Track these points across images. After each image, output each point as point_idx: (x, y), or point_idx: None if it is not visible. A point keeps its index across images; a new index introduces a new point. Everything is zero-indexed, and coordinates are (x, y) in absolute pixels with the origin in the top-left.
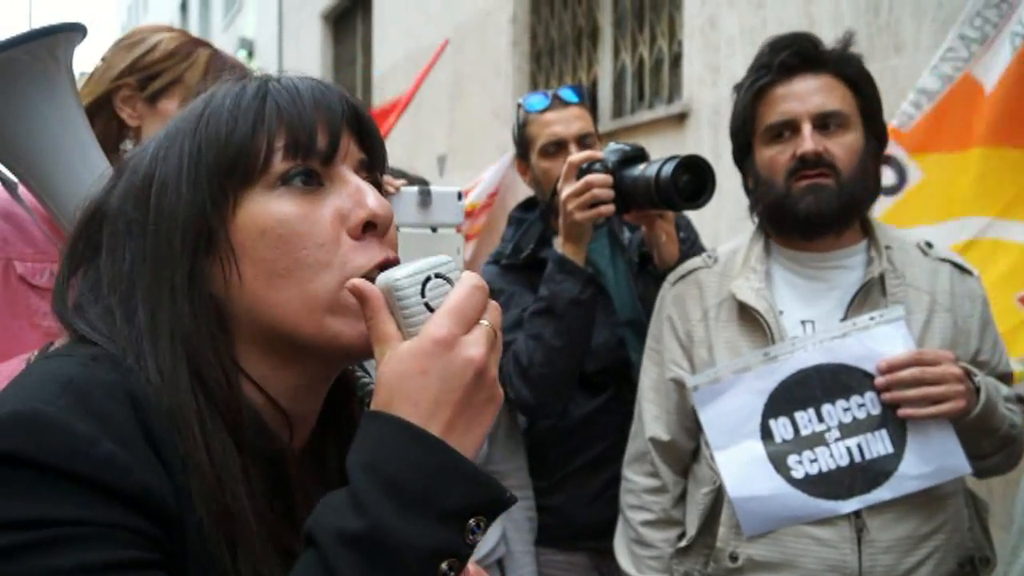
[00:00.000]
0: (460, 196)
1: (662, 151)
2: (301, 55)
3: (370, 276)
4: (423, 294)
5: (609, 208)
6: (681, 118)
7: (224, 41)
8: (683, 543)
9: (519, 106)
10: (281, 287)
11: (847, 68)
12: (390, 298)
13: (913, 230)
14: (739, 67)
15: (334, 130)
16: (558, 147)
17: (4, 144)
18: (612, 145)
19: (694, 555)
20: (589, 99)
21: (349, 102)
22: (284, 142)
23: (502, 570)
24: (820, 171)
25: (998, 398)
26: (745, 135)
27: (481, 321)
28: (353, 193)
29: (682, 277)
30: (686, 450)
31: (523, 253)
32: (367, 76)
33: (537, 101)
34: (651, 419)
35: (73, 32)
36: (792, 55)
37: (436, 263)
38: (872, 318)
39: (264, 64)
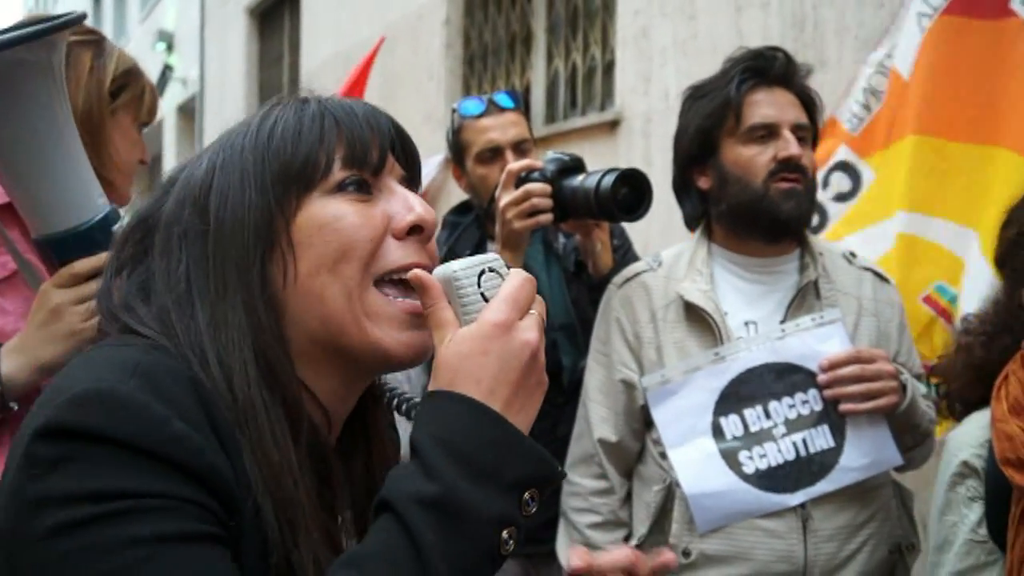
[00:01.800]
0: None
1: (594, 157)
2: (225, 51)
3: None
4: (479, 284)
5: (547, 217)
6: (613, 125)
7: (141, 33)
8: (634, 542)
9: (454, 111)
10: (330, 283)
11: (807, 94)
12: (448, 288)
13: (866, 230)
14: (670, 77)
15: (383, 146)
16: (494, 153)
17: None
18: (550, 154)
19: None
20: (523, 104)
21: (395, 124)
22: (342, 154)
23: None
24: (796, 175)
25: (919, 395)
26: (713, 134)
27: (531, 310)
28: (402, 200)
29: (628, 280)
30: (632, 451)
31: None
32: (294, 74)
33: (472, 106)
34: (599, 421)
35: (72, 24)
36: (781, 66)
37: (488, 259)
38: (813, 319)
39: (184, 60)
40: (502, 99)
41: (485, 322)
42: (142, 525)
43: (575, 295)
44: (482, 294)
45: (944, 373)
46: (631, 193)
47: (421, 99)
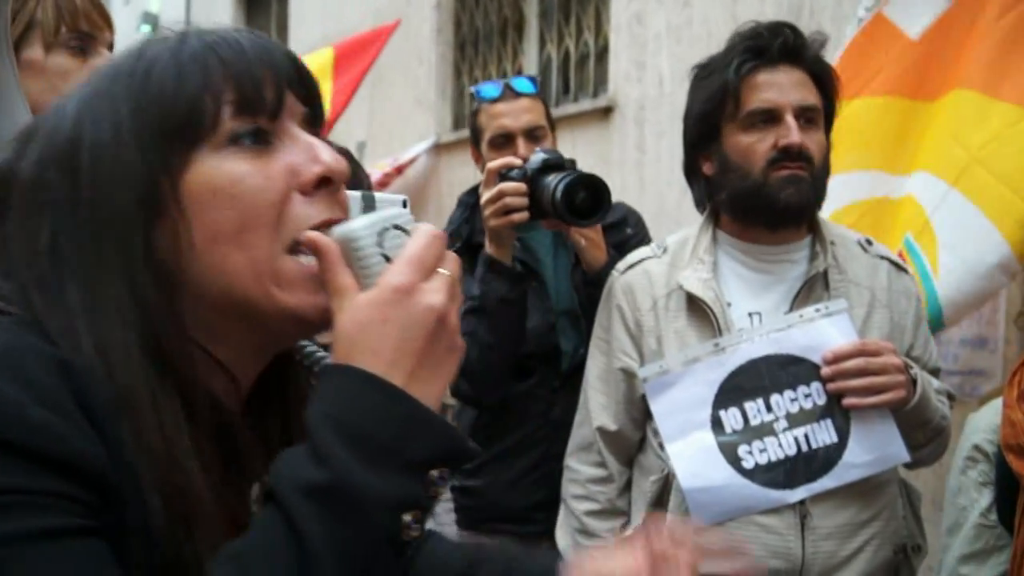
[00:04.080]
0: (406, 204)
1: (587, 145)
2: None
3: (324, 230)
4: (380, 245)
5: (521, 216)
6: (606, 112)
7: (125, 15)
8: (629, 532)
9: (472, 93)
10: (230, 253)
11: (820, 69)
12: (346, 249)
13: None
14: (664, 63)
15: (279, 84)
16: (506, 139)
17: None
18: (539, 152)
19: None
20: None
21: (289, 55)
22: (232, 98)
23: None
24: (799, 164)
25: (931, 390)
26: (714, 118)
27: (440, 270)
28: (306, 148)
29: (631, 266)
30: (632, 440)
31: (457, 243)
32: None
33: (488, 90)
34: (598, 408)
35: None
36: (783, 44)
37: (393, 214)
38: (817, 310)
39: None
40: (519, 84)
41: (384, 286)
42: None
43: (578, 281)
44: (384, 255)
45: None
46: (590, 197)
47: (411, 84)
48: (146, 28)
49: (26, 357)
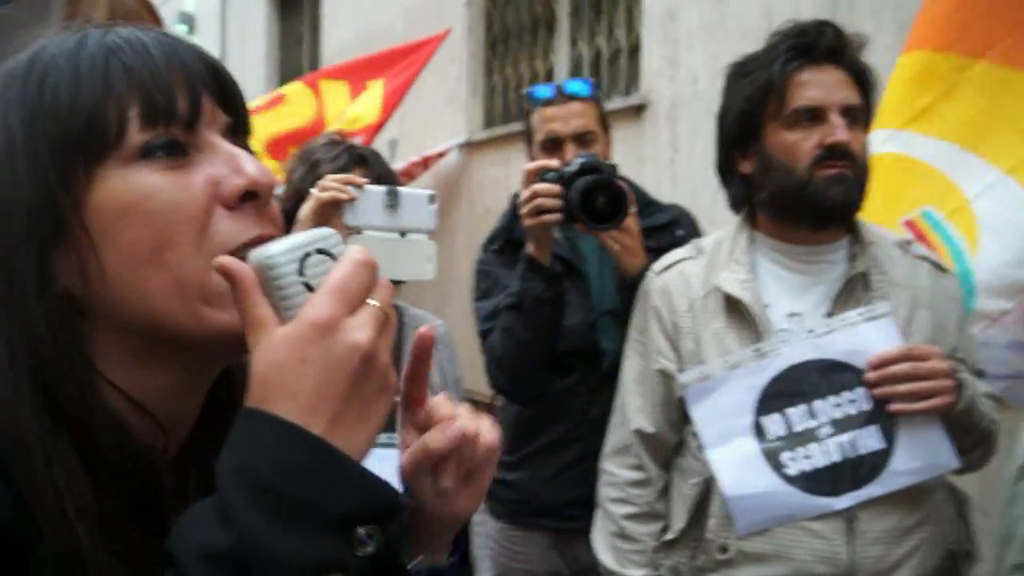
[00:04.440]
0: (433, 199)
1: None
2: (245, 33)
3: (241, 253)
4: (302, 272)
5: (554, 217)
6: (638, 110)
7: (163, 16)
8: (669, 536)
9: (524, 94)
10: (150, 274)
11: (860, 70)
12: (263, 277)
13: None
14: (698, 61)
15: (194, 91)
16: (554, 144)
17: None
18: (581, 155)
19: (681, 548)
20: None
21: (205, 58)
22: (138, 109)
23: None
24: (844, 162)
25: (978, 394)
26: (756, 116)
27: (368, 301)
28: (228, 159)
29: (667, 268)
30: (670, 443)
31: (499, 241)
32: (314, 56)
33: (541, 92)
34: (635, 411)
35: None
36: (828, 43)
37: (317, 236)
38: (860, 314)
39: (206, 41)
40: (572, 86)
41: (303, 321)
42: None
43: (620, 280)
44: (306, 283)
45: None
46: (608, 201)
47: (442, 83)
48: (183, 28)
49: None
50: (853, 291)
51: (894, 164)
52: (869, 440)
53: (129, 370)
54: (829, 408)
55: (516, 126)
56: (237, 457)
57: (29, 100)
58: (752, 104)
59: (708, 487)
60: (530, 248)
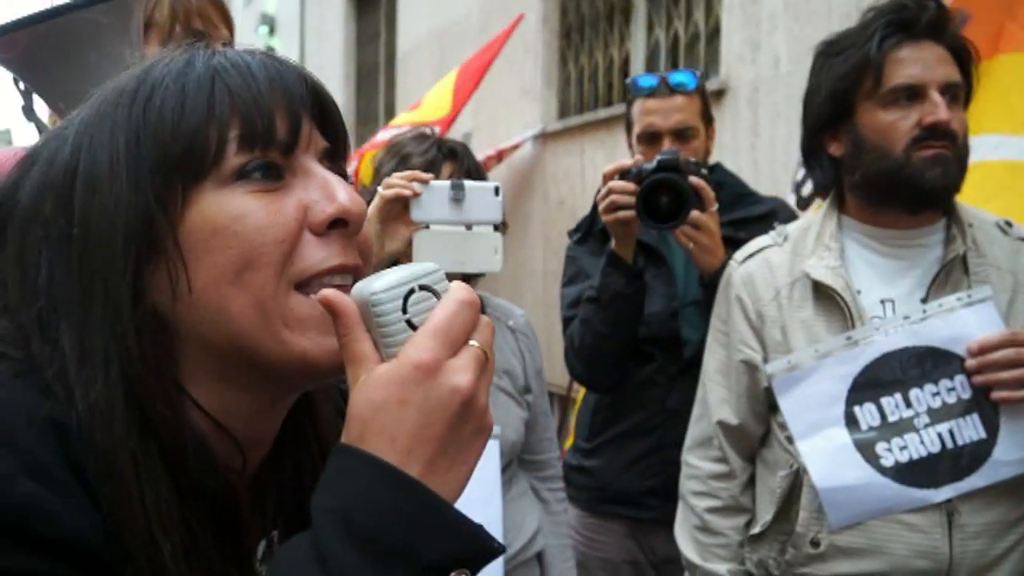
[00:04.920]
0: (498, 191)
1: None
2: (323, 31)
3: (324, 280)
4: (404, 310)
5: (627, 214)
6: (718, 95)
7: (245, 17)
8: (756, 529)
9: (629, 83)
10: (233, 295)
11: (961, 46)
12: (366, 313)
13: None
14: (780, 43)
15: (294, 116)
16: (652, 138)
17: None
18: (662, 153)
19: (768, 542)
20: (621, 77)
21: (308, 81)
22: (238, 132)
23: (541, 565)
24: (944, 143)
25: None
26: (849, 96)
27: (470, 342)
28: (321, 185)
29: (751, 256)
30: (755, 435)
31: (582, 230)
32: (390, 53)
33: (644, 82)
34: (718, 402)
35: None
36: (929, 18)
37: (420, 272)
38: (959, 299)
39: (285, 41)
40: (676, 78)
41: (405, 362)
42: None
43: None
44: (408, 321)
45: None
46: (671, 201)
47: (517, 73)
48: (264, 28)
49: (19, 421)
50: (950, 275)
51: (1005, 172)
52: (969, 430)
53: (212, 390)
54: (926, 397)
55: (591, 116)
56: (333, 497)
57: (135, 120)
58: (845, 83)
59: (797, 479)
60: (613, 244)
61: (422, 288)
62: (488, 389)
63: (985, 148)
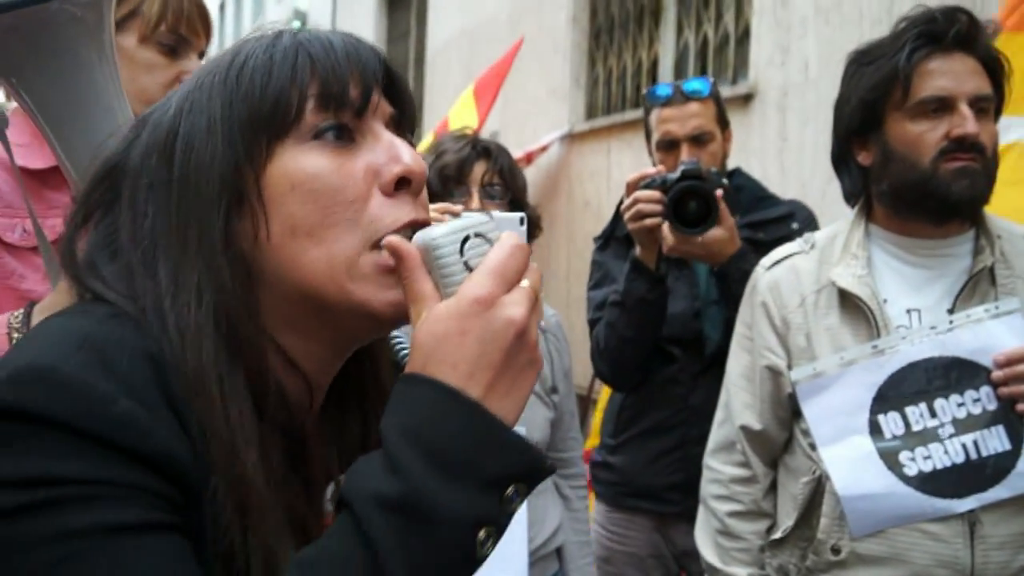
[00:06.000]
0: (523, 221)
1: None
2: (355, 27)
3: (401, 234)
4: (462, 253)
5: (653, 221)
6: (747, 99)
7: (277, 12)
8: (777, 535)
9: (646, 92)
10: (308, 247)
11: (992, 58)
12: (427, 257)
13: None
14: (811, 48)
15: (366, 83)
16: (670, 145)
17: (37, 97)
18: (683, 163)
19: (789, 547)
20: (650, 79)
21: (380, 57)
22: (316, 92)
23: (560, 559)
24: (971, 155)
25: None
26: (878, 106)
27: (522, 282)
28: (387, 148)
29: (777, 262)
30: (778, 440)
31: (605, 235)
32: (420, 50)
33: (660, 91)
34: (741, 407)
35: None
36: (959, 30)
37: (475, 221)
38: (987, 310)
39: None
40: (690, 86)
41: (464, 297)
42: (74, 516)
43: None
44: (465, 263)
45: None
46: (700, 206)
47: (546, 74)
48: (296, 24)
49: (118, 349)
50: (978, 286)
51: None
52: (994, 441)
53: (284, 332)
54: (951, 407)
55: (618, 117)
56: (403, 417)
57: (229, 85)
58: (875, 93)
59: (819, 486)
60: (637, 250)
61: (477, 235)
62: (537, 325)
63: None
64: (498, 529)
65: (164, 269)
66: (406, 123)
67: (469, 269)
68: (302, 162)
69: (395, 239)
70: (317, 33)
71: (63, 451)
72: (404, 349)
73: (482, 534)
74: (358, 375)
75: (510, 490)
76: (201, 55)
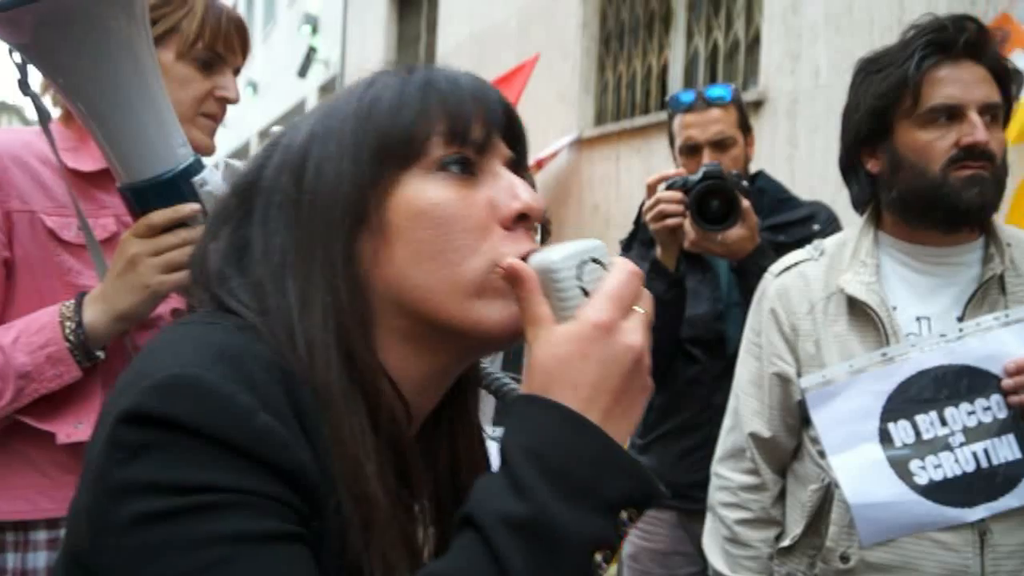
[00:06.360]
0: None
1: None
2: (365, 32)
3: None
4: (579, 278)
5: (675, 221)
6: (756, 106)
7: (289, 17)
8: (786, 543)
9: (668, 100)
10: (429, 269)
11: (1001, 66)
12: (545, 280)
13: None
14: (821, 54)
15: (489, 123)
16: (692, 150)
17: (78, 89)
18: (705, 165)
19: (798, 555)
20: (659, 85)
21: (504, 102)
22: (444, 128)
23: None
24: (981, 163)
25: None
26: (887, 114)
27: (636, 308)
28: (507, 186)
29: (786, 269)
30: (787, 448)
31: (628, 238)
32: (430, 55)
33: (682, 97)
34: (751, 414)
35: None
36: (968, 38)
37: (591, 247)
38: (997, 318)
39: (327, 40)
40: (712, 92)
41: (585, 322)
42: (223, 522)
43: None
44: (582, 288)
45: None
46: (722, 204)
47: (555, 78)
48: (307, 28)
49: (253, 363)
50: (987, 295)
51: None
52: (1004, 450)
53: (396, 359)
54: (962, 416)
55: (627, 123)
56: (526, 438)
57: (361, 114)
58: (884, 101)
59: (828, 494)
60: (657, 251)
61: (593, 260)
62: (650, 351)
63: None
64: (612, 551)
65: (293, 286)
66: (522, 165)
67: (585, 293)
68: (427, 191)
69: (514, 261)
70: (448, 72)
71: (207, 460)
72: (498, 379)
73: (599, 556)
74: (448, 408)
75: (624, 514)
76: (236, 71)
